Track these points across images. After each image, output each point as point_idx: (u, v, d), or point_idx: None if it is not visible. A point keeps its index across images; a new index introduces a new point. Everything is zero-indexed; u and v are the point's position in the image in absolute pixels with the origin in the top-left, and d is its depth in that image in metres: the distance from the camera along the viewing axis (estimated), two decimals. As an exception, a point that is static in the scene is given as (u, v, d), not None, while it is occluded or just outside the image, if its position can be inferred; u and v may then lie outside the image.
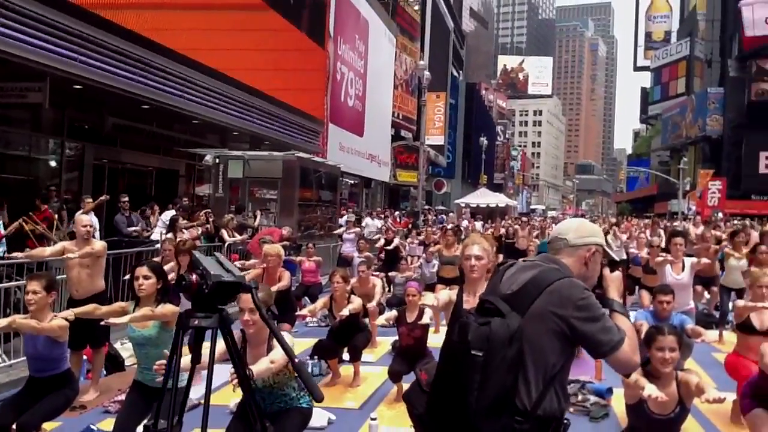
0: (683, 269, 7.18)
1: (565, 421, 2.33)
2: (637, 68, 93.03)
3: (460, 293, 3.75)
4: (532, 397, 2.22)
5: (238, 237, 12.45)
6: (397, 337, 6.61)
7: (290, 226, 13.26)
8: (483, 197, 36.54)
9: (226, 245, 11.99)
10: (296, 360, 2.76)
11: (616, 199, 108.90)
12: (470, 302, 3.60)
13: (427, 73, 27.76)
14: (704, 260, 7.97)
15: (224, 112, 16.60)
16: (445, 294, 3.97)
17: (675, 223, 23.64)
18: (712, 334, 8.91)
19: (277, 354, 3.46)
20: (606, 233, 13.93)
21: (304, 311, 7.02)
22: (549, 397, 2.24)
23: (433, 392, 2.35)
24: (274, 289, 6.69)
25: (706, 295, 11.23)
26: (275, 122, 19.83)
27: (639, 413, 3.71)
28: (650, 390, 3.35)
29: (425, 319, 6.14)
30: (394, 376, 5.98)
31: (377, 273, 11.56)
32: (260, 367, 3.28)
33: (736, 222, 24.35)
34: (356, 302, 6.71)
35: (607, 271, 2.48)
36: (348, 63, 29.54)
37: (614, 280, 2.48)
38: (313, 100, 23.91)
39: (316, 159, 18.22)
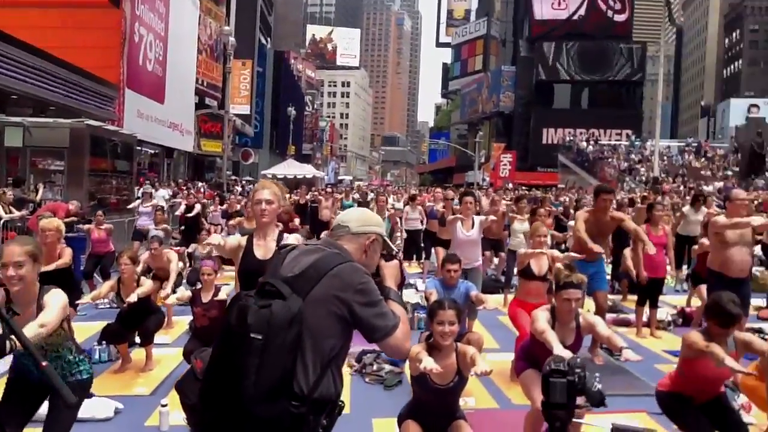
0: (473, 226, 7.59)
1: (341, 403, 2.36)
2: (439, 44, 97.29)
3: (251, 239, 3.70)
4: (310, 380, 2.20)
5: (17, 213, 11.27)
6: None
7: (79, 199, 12.24)
8: (290, 168, 36.39)
9: (2, 222, 10.82)
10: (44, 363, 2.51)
11: (419, 170, 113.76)
12: (261, 246, 3.60)
13: (232, 39, 26.92)
14: (491, 217, 8.59)
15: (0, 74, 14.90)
16: (234, 238, 3.86)
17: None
18: (495, 300, 9.62)
19: (48, 316, 3.06)
20: (405, 204, 14.50)
21: (86, 298, 6.45)
22: (326, 380, 2.25)
23: (207, 378, 2.26)
24: (51, 267, 6.11)
25: (495, 260, 12.07)
26: (62, 86, 18.18)
27: (422, 384, 3.86)
28: (426, 363, 3.48)
29: (221, 296, 5.94)
30: (189, 356, 5.72)
31: (178, 248, 11.04)
32: (29, 331, 2.83)
33: (527, 191, 26.39)
34: (146, 285, 6.31)
35: (383, 261, 2.52)
36: (147, 24, 27.77)
37: (390, 269, 2.53)
38: (105, 63, 22.21)
39: (109, 127, 17.00)
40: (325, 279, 2.25)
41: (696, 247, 9.22)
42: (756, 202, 13.09)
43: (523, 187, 34.01)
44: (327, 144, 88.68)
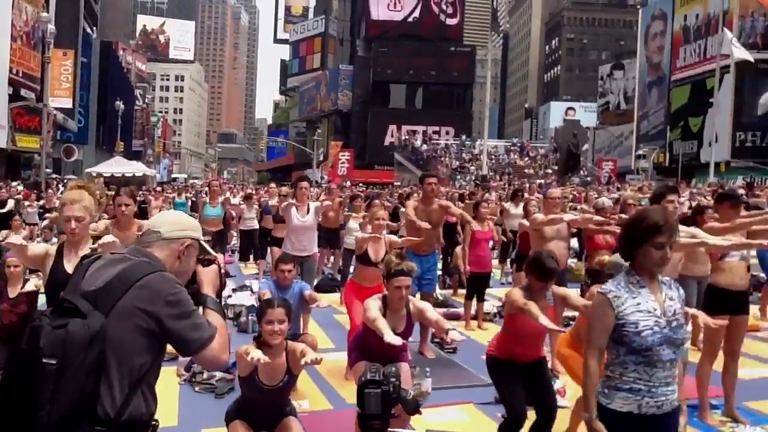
0: (308, 212, 7.56)
1: (154, 422, 2.19)
2: (277, 40, 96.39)
3: (61, 249, 3.46)
4: (117, 402, 2.03)
5: None
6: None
7: None
8: (118, 166, 34.32)
9: None
10: None
11: (257, 167, 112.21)
12: (71, 259, 3.36)
13: (51, 26, 25.01)
14: (327, 202, 8.72)
15: None
16: (41, 247, 3.58)
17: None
18: (331, 299, 9.64)
19: None
20: (240, 202, 14.16)
21: None
22: (136, 401, 2.08)
23: None
24: None
25: (331, 258, 12.10)
26: None
27: (251, 384, 3.77)
28: (254, 354, 3.42)
29: (29, 287, 5.44)
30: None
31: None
32: None
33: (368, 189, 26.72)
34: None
35: (200, 266, 2.37)
36: (-53, 6, 25.06)
37: (208, 275, 2.37)
38: None
39: None
40: (132, 291, 2.07)
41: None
42: (570, 197, 14.11)
43: (361, 185, 34.49)
44: (159, 140, 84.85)
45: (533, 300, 3.87)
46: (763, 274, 9.12)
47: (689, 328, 7.17)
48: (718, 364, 5.08)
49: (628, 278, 2.67)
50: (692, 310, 3.97)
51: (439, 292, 9.20)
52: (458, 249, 9.02)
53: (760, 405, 5.35)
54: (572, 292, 4.28)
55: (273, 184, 17.46)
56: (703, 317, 3.85)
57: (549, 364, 4.93)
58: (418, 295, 6.88)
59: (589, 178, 38.52)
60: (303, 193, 7.72)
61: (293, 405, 4.10)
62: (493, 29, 36.34)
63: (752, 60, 29.89)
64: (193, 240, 2.33)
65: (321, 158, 56.80)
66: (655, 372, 2.58)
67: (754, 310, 8.17)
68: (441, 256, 11.50)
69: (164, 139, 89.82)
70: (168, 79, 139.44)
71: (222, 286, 2.49)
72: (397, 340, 3.80)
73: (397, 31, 62.71)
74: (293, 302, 5.18)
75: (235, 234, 14.81)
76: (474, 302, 8.23)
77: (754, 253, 8.98)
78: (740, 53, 28.18)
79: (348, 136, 63.50)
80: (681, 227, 5.37)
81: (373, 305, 4.14)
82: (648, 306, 2.60)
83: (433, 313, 4.22)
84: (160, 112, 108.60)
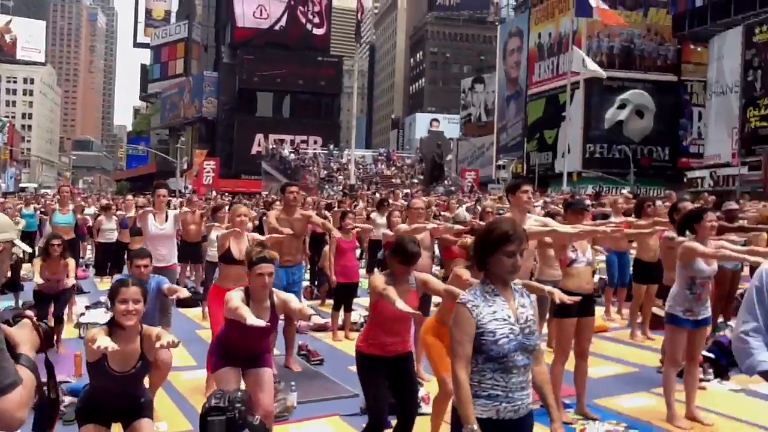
0: (166, 220, 7.26)
1: None
2: (137, 44, 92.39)
3: None
4: None
5: None
6: None
7: None
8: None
9: None
10: None
11: (116, 177, 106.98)
12: None
13: None
14: (185, 209, 8.39)
15: None
16: None
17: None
18: (194, 313, 9.35)
19: None
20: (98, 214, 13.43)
21: None
22: None
23: None
24: None
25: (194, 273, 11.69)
26: None
27: (100, 371, 3.53)
28: (102, 342, 3.21)
29: None
30: None
31: None
32: None
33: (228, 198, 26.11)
34: None
35: (7, 327, 1.95)
36: None
37: (21, 334, 1.96)
38: None
39: None
40: None
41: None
42: (434, 206, 14.48)
43: (227, 195, 33.71)
44: (5, 147, 78.83)
45: (395, 285, 3.91)
46: (606, 276, 9.70)
47: (545, 330, 7.54)
48: (570, 365, 5.34)
49: (484, 287, 2.73)
50: (549, 288, 4.20)
51: (306, 304, 9.10)
52: (326, 248, 8.93)
53: (608, 402, 5.68)
54: (433, 278, 4.36)
55: (130, 196, 16.64)
56: (558, 294, 4.05)
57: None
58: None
59: (453, 188, 39.81)
60: (161, 200, 7.43)
61: (148, 394, 3.91)
62: (357, 41, 36.79)
63: (605, 76, 32.05)
64: (6, 243, 2.06)
65: (185, 167, 54.99)
66: (510, 378, 2.65)
67: (600, 311, 8.74)
68: (308, 267, 11.46)
69: (11, 145, 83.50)
70: (15, 82, 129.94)
71: (44, 342, 2.10)
72: (260, 323, 3.75)
73: (263, 38, 62.07)
74: (150, 299, 4.98)
75: (90, 246, 13.98)
76: (341, 312, 8.21)
77: (602, 258, 9.62)
78: (592, 68, 30.16)
79: (213, 144, 62.00)
80: (534, 217, 5.66)
81: (235, 296, 4.05)
82: (503, 314, 2.67)
83: (296, 302, 4.22)
84: (7, 116, 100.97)
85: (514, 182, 5.33)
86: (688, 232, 5.17)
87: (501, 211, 8.85)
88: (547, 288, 4.22)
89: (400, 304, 3.69)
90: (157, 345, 3.46)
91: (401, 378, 4.13)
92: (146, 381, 4.02)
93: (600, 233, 5.14)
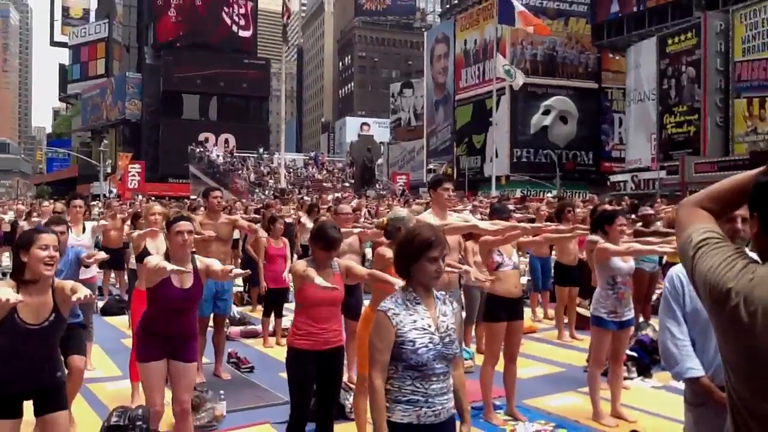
0: (84, 231, 7.03)
1: None
2: (54, 43, 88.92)
3: None
4: None
5: None
6: None
7: None
8: None
9: None
10: None
11: (35, 180, 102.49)
12: None
13: None
14: (102, 222, 8.48)
15: None
16: None
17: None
18: (120, 322, 9.06)
19: None
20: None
21: None
22: None
23: None
24: None
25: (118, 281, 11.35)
26: None
27: (10, 327, 3.18)
28: (4, 293, 2.93)
29: None
30: None
31: None
32: None
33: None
34: None
35: None
36: None
37: None
38: None
39: None
40: None
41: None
42: (364, 210, 14.49)
43: (153, 199, 32.88)
44: None
45: (318, 270, 3.92)
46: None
47: (472, 333, 7.65)
48: (500, 366, 5.42)
49: (405, 295, 2.75)
50: (465, 267, 4.42)
51: (235, 310, 8.97)
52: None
53: (536, 402, 5.80)
54: (354, 264, 4.42)
55: (46, 202, 15.87)
56: (473, 273, 4.15)
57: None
58: (211, 316, 6.65)
59: (384, 192, 39.98)
60: (77, 212, 7.15)
61: (64, 370, 3.69)
62: (284, 43, 36.45)
63: (518, 85, 32.61)
64: None
65: (109, 170, 53.24)
66: (430, 384, 2.67)
67: (528, 313, 8.94)
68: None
69: None
70: None
71: None
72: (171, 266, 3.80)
73: (187, 40, 60.79)
74: (68, 269, 4.84)
75: (7, 254, 13.36)
76: (272, 318, 8.11)
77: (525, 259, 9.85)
78: (517, 79, 30.72)
79: (138, 147, 60.25)
80: (455, 214, 5.76)
81: (154, 259, 4.05)
82: (423, 323, 2.69)
83: (219, 265, 4.20)
84: None
85: (436, 179, 5.41)
86: (600, 234, 5.39)
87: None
88: (464, 267, 4.34)
89: (318, 280, 3.72)
90: (74, 298, 3.17)
91: (327, 377, 4.13)
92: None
93: (520, 231, 5.23)
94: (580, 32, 50.17)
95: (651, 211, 9.24)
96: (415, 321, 2.68)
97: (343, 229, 6.45)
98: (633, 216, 8.53)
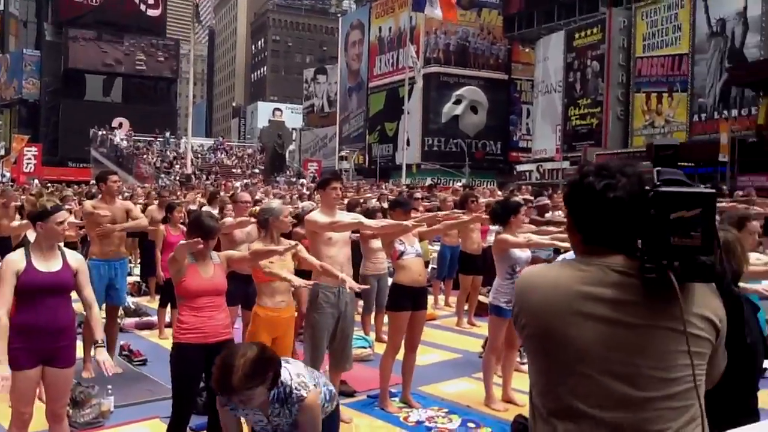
0: None
1: None
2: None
3: None
4: None
5: None
6: None
7: None
8: None
9: None
10: None
11: None
12: None
13: None
14: None
15: None
16: None
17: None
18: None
19: None
20: None
21: None
22: None
23: None
24: None
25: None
26: None
27: None
28: None
29: None
30: None
31: None
32: None
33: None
34: None
35: None
36: None
37: None
38: None
39: None
40: None
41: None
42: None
43: (50, 184, 31.35)
44: None
45: (197, 260, 3.95)
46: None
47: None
48: (400, 354, 5.43)
49: None
50: (341, 276, 4.49)
51: (131, 301, 8.65)
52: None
53: (432, 388, 5.87)
54: (234, 252, 4.58)
55: None
56: (349, 282, 4.47)
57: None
58: (104, 306, 6.37)
59: (294, 179, 39.61)
60: None
61: None
62: (194, 23, 35.27)
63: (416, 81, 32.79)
64: None
65: (2, 153, 50.31)
66: None
67: (430, 300, 9.04)
68: (139, 261, 10.96)
69: None
70: None
71: None
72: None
73: (92, 17, 58.07)
74: None
75: None
76: (168, 309, 7.86)
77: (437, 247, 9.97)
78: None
79: (36, 128, 57.20)
80: (343, 213, 5.74)
81: (11, 258, 3.76)
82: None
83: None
84: None
85: (324, 178, 5.28)
86: (498, 225, 5.52)
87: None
88: (341, 275, 4.38)
89: (182, 247, 3.82)
90: None
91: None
92: None
93: (404, 228, 5.13)
94: (492, 23, 51.07)
95: (547, 202, 9.53)
96: None
97: (239, 218, 6.34)
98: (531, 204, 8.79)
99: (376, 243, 6.75)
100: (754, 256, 4.06)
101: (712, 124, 31.56)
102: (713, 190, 1.46)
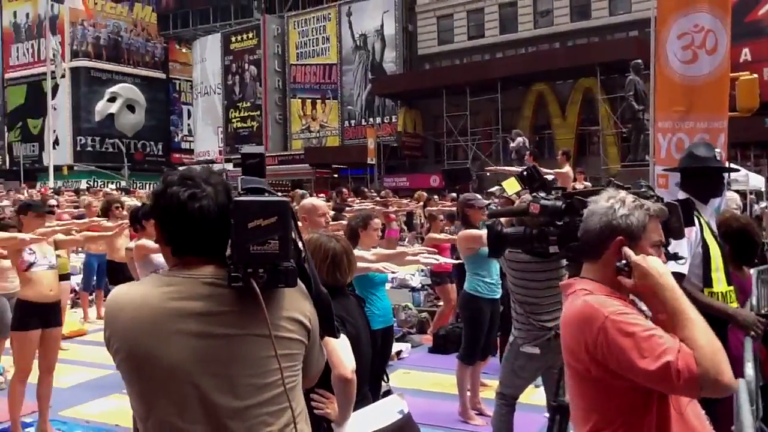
0: None
1: None
2: None
3: None
4: None
5: None
6: None
7: None
8: None
9: None
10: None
11: None
12: None
13: None
14: None
15: None
16: None
17: None
18: None
19: None
20: None
21: None
22: None
23: None
24: None
25: None
26: None
27: None
28: None
29: None
30: None
31: None
32: None
33: None
34: None
35: None
36: None
37: None
38: None
39: None
40: None
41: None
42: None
43: None
44: None
45: None
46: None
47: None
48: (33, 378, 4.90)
49: None
50: None
51: None
52: None
53: (75, 411, 5.43)
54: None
55: None
56: None
57: None
58: None
59: None
60: None
61: None
62: None
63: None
64: None
65: None
66: None
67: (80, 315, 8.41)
68: None
69: None
70: None
71: None
72: None
73: None
74: None
75: None
76: None
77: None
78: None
79: None
80: None
81: None
82: None
83: None
84: None
85: None
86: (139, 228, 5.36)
87: None
88: None
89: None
90: None
91: None
92: None
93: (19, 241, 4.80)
94: (146, 20, 49.11)
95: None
96: None
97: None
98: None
99: (6, 263, 6.03)
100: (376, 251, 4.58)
101: (360, 130, 34.60)
102: (286, 199, 1.56)
